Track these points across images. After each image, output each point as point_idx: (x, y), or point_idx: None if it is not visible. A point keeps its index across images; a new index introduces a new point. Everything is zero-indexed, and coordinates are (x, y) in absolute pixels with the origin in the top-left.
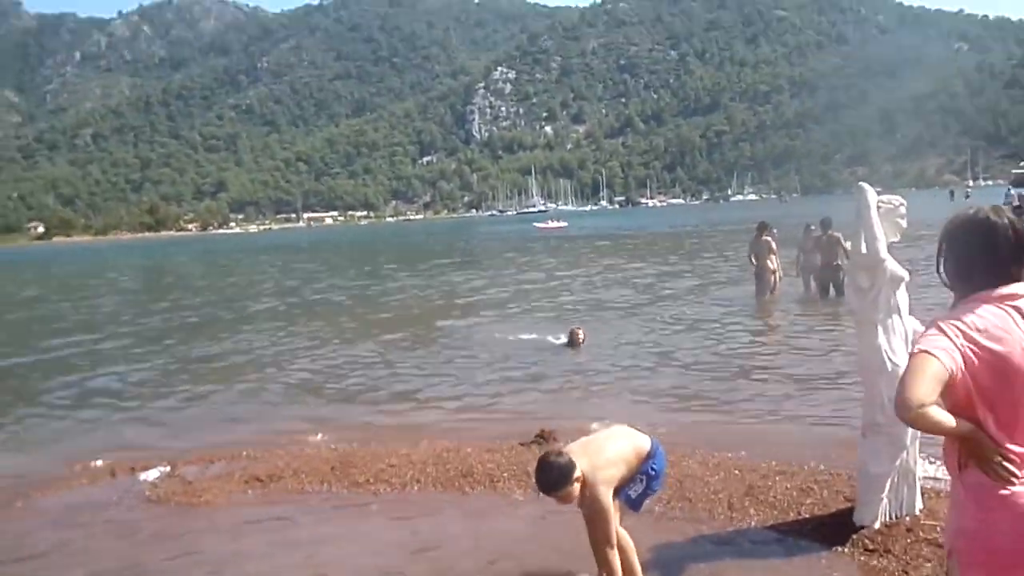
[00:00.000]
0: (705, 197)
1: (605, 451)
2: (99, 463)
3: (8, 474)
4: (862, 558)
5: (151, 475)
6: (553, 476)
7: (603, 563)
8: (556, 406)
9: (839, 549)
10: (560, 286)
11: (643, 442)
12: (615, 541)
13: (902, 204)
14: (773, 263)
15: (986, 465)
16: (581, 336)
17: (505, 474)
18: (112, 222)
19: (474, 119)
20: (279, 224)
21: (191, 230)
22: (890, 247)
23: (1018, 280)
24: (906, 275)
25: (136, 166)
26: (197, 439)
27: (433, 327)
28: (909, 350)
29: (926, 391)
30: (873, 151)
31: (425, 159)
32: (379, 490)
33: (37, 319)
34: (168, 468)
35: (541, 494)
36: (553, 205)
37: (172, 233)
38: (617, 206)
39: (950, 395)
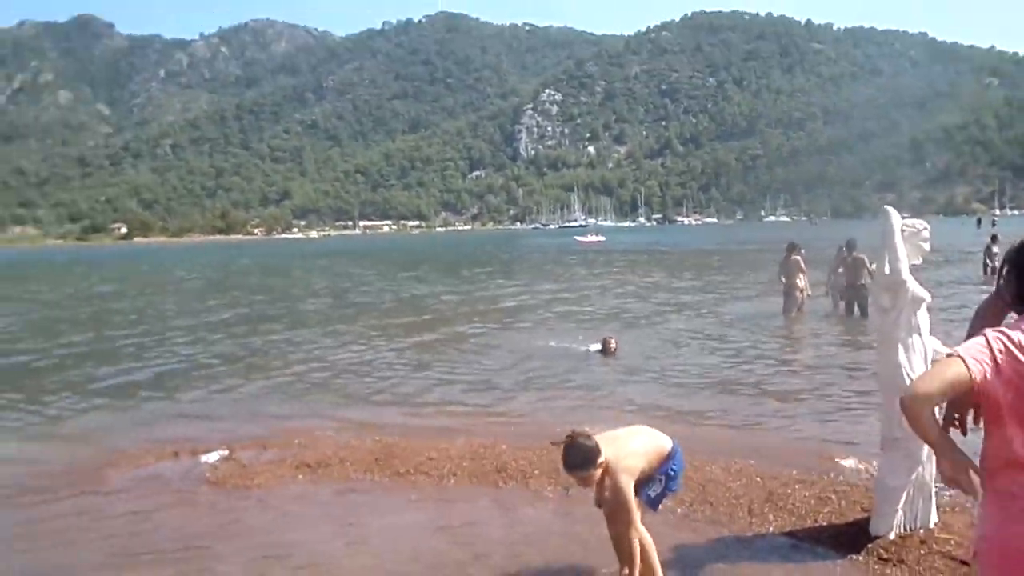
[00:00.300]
0: (739, 217)
1: (630, 444)
2: (166, 447)
3: (84, 454)
4: (876, 567)
5: (211, 458)
6: (580, 456)
7: (625, 551)
8: (587, 411)
9: (854, 557)
10: (595, 297)
11: (664, 442)
12: (638, 527)
13: (925, 228)
14: (801, 282)
15: (953, 480)
16: (613, 345)
17: (537, 471)
18: (187, 225)
19: (521, 138)
20: (337, 231)
21: (257, 234)
22: (914, 269)
23: None
24: (927, 296)
25: (210, 174)
26: (252, 428)
27: (472, 332)
28: (926, 367)
29: (933, 388)
30: (902, 179)
31: (474, 174)
32: (418, 480)
33: (110, 311)
34: (226, 452)
35: (564, 472)
36: (593, 220)
37: (240, 236)
38: (654, 223)
39: (985, 408)
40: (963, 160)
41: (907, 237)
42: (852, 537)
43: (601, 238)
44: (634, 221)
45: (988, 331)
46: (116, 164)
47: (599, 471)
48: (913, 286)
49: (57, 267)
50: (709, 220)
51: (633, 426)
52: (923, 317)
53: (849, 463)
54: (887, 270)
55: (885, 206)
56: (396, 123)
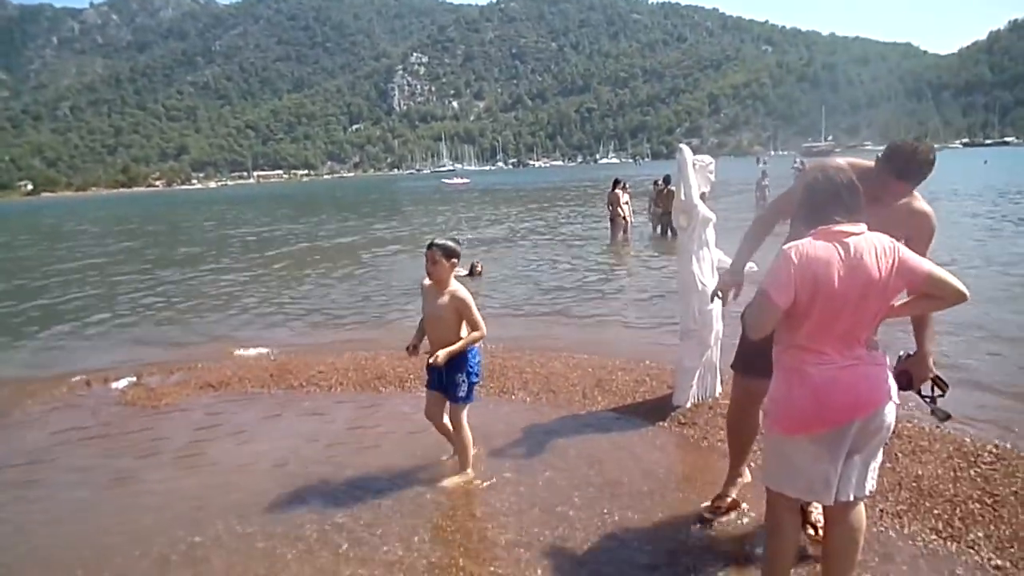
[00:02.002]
0: (579, 160)
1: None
2: (77, 377)
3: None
4: (676, 429)
5: (121, 384)
6: (443, 244)
7: (480, 332)
8: None
9: (661, 424)
10: (463, 227)
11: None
12: (481, 329)
13: (711, 163)
14: (624, 211)
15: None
16: (479, 268)
17: (412, 376)
18: (91, 180)
19: (395, 95)
20: (233, 181)
21: (158, 186)
22: (704, 196)
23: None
24: (713, 216)
25: (110, 133)
26: (157, 355)
27: (358, 262)
28: (713, 274)
29: (762, 328)
30: (703, 127)
31: (354, 127)
32: (311, 391)
33: (30, 258)
34: (135, 378)
35: (426, 250)
36: (459, 166)
37: (142, 189)
38: (511, 167)
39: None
40: (747, 111)
41: (698, 170)
42: (660, 409)
43: (466, 180)
44: (494, 166)
45: (784, 248)
46: (17, 126)
47: (450, 269)
48: (703, 209)
49: None
50: (556, 163)
51: None
52: (710, 234)
53: (660, 351)
54: (683, 196)
55: (680, 144)
56: (281, 83)
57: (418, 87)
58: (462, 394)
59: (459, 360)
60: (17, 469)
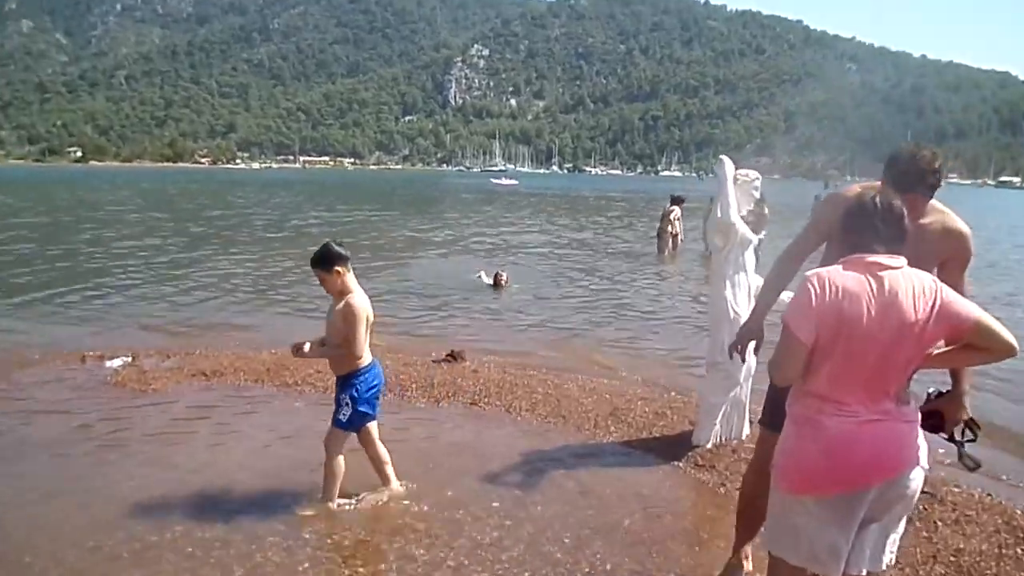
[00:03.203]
0: (639, 170)
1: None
2: (76, 353)
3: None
4: (692, 471)
5: (115, 363)
6: (321, 255)
7: (345, 349)
8: (470, 333)
9: (676, 463)
10: (503, 232)
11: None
12: (363, 343)
13: (757, 178)
14: (674, 228)
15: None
16: (504, 279)
17: (414, 385)
18: (138, 151)
19: (451, 87)
20: (278, 164)
21: (203, 163)
22: (752, 215)
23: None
24: (754, 238)
25: (161, 105)
26: (159, 337)
27: (385, 259)
28: (750, 302)
29: (790, 372)
30: (776, 144)
31: (407, 118)
32: (304, 391)
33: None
34: (129, 358)
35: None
36: (511, 166)
37: (187, 165)
38: (565, 172)
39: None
40: (824, 132)
41: (739, 185)
42: (677, 447)
43: (515, 181)
44: (548, 169)
45: (807, 275)
46: (73, 92)
47: (336, 277)
48: (742, 228)
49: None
50: (614, 172)
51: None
52: (749, 257)
53: (688, 383)
54: (719, 214)
55: (721, 156)
56: (336, 66)
57: (476, 81)
58: (342, 417)
59: (344, 379)
60: None
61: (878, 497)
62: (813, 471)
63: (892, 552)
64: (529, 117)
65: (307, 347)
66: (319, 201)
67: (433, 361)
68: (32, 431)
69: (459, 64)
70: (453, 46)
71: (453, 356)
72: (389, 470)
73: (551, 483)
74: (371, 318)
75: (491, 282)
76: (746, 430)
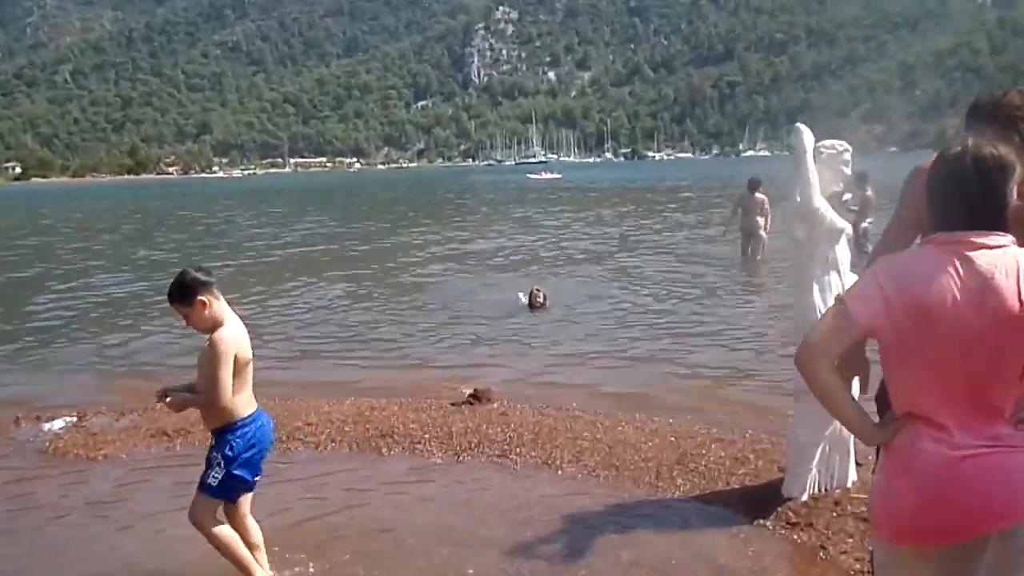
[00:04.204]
0: (715, 151)
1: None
2: (7, 410)
3: None
4: (783, 531)
5: (56, 425)
6: (177, 286)
7: (208, 395)
8: (498, 367)
9: (761, 522)
10: (539, 238)
11: (249, 399)
12: (227, 387)
13: (847, 150)
14: (759, 223)
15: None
16: (541, 298)
17: (427, 435)
18: (90, 163)
19: (473, 62)
20: (264, 169)
21: (172, 173)
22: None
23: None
24: (847, 227)
25: (116, 105)
26: (113, 386)
27: (394, 277)
28: None
29: (819, 338)
30: (891, 108)
31: (420, 104)
32: (292, 448)
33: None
34: (75, 418)
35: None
36: (554, 156)
37: (153, 176)
38: (622, 158)
39: (880, 352)
40: (954, 89)
41: (824, 160)
42: (763, 500)
43: (557, 175)
44: (600, 156)
45: (880, 258)
46: (7, 94)
47: (201, 309)
48: (830, 216)
49: None
50: (683, 155)
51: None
52: (842, 252)
53: (776, 418)
54: (798, 198)
55: (797, 124)
56: (330, 45)
57: (503, 52)
58: (211, 481)
59: (219, 435)
60: None
61: (996, 552)
62: (905, 514)
63: None
64: (572, 94)
65: (173, 401)
66: (307, 214)
67: (451, 404)
68: None
69: (481, 32)
70: (473, 10)
71: (476, 397)
72: (261, 558)
73: (601, 554)
74: (246, 355)
75: (526, 302)
76: (852, 476)
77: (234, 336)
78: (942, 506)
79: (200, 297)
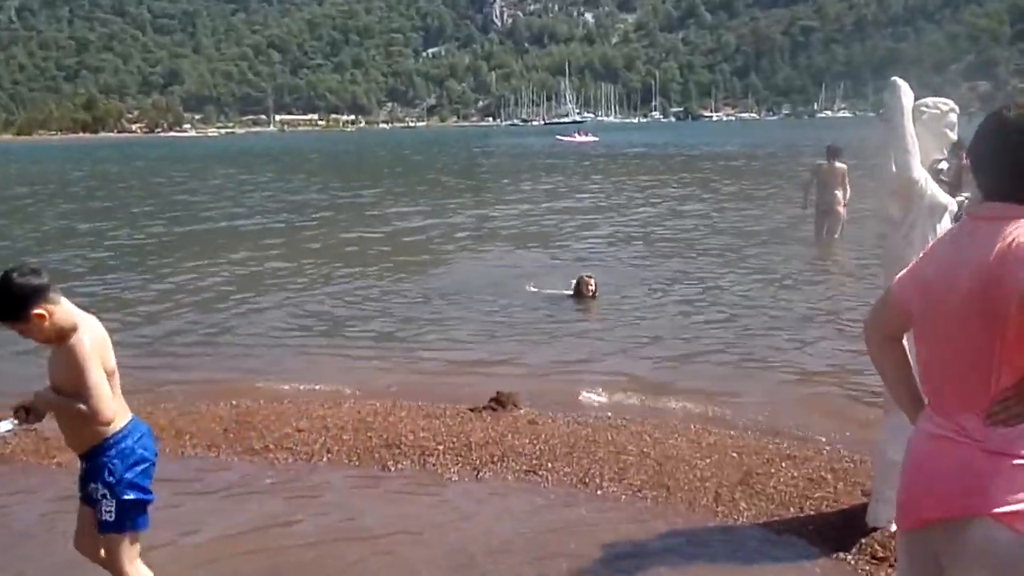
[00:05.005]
0: (785, 112)
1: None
2: None
3: None
4: (866, 568)
5: (3, 427)
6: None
7: (87, 404)
8: (526, 368)
9: (841, 555)
10: (581, 217)
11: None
12: (102, 393)
13: (952, 110)
14: (837, 197)
15: None
16: (592, 287)
17: (441, 446)
18: (39, 118)
19: (494, 1)
20: (244, 127)
21: (136, 131)
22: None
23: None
24: (951, 204)
25: (70, 49)
26: None
27: (400, 258)
28: None
29: (872, 315)
30: (1000, 60)
31: (431, 51)
32: (278, 459)
33: None
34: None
35: None
36: (591, 115)
37: (112, 135)
38: (673, 119)
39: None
40: None
41: (924, 122)
42: (845, 529)
43: (593, 138)
44: (646, 116)
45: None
46: None
47: (41, 322)
48: (932, 189)
49: None
50: (745, 115)
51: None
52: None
53: (864, 430)
54: (893, 167)
55: (893, 78)
56: None
57: None
58: (108, 518)
59: (91, 458)
60: None
61: (944, 545)
62: (898, 497)
63: None
64: (614, 40)
65: (38, 403)
66: (290, 178)
67: (470, 409)
68: None
69: None
70: None
71: (500, 402)
72: None
73: None
74: (109, 363)
75: (570, 292)
76: None
77: (95, 338)
78: (907, 483)
79: (36, 310)
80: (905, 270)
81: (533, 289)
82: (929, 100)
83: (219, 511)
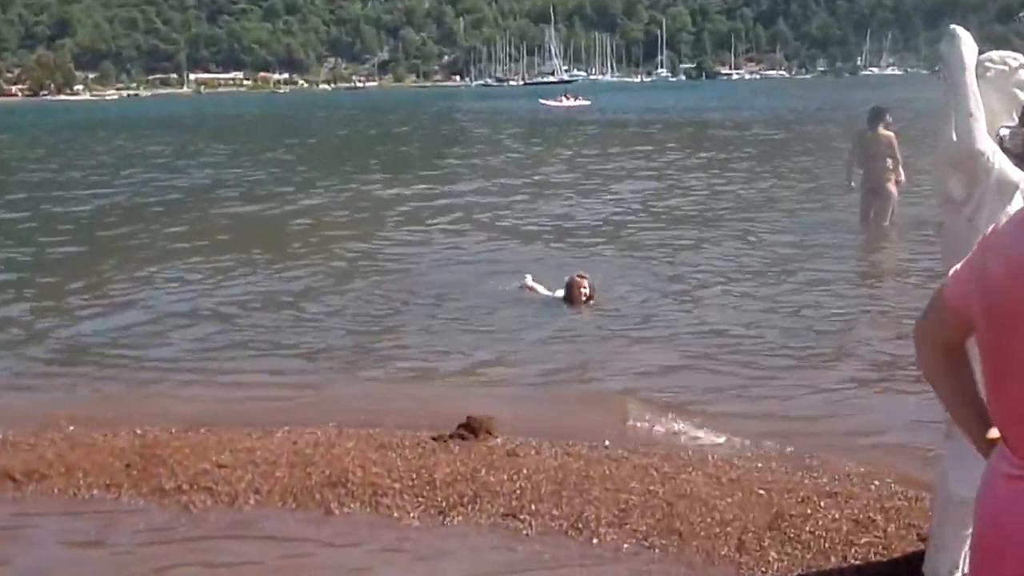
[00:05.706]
0: (821, 68)
1: None
2: None
3: None
4: None
5: None
6: None
7: None
8: (510, 388)
9: None
10: (556, 197)
11: None
12: None
13: (1023, 67)
14: (889, 172)
15: None
16: (586, 289)
17: (397, 485)
18: None
19: None
20: (151, 88)
21: (16, 94)
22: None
23: None
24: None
25: None
26: None
27: (367, 257)
28: None
29: (922, 316)
30: None
31: None
32: (194, 502)
33: None
34: None
35: None
36: (582, 73)
37: None
38: (683, 77)
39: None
40: None
41: (989, 80)
42: None
43: (584, 101)
44: (650, 74)
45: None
46: None
47: None
48: (1000, 163)
49: None
50: (772, 72)
51: None
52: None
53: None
54: (954, 135)
55: (951, 27)
56: None
57: None
58: None
59: None
60: None
61: None
62: (971, 549)
63: None
64: None
65: None
66: (211, 151)
67: (433, 438)
68: None
69: None
70: None
71: (471, 428)
72: None
73: None
74: None
75: (562, 294)
76: None
77: None
78: (983, 535)
79: None
80: (961, 262)
81: (507, 288)
82: (995, 54)
83: (119, 567)
